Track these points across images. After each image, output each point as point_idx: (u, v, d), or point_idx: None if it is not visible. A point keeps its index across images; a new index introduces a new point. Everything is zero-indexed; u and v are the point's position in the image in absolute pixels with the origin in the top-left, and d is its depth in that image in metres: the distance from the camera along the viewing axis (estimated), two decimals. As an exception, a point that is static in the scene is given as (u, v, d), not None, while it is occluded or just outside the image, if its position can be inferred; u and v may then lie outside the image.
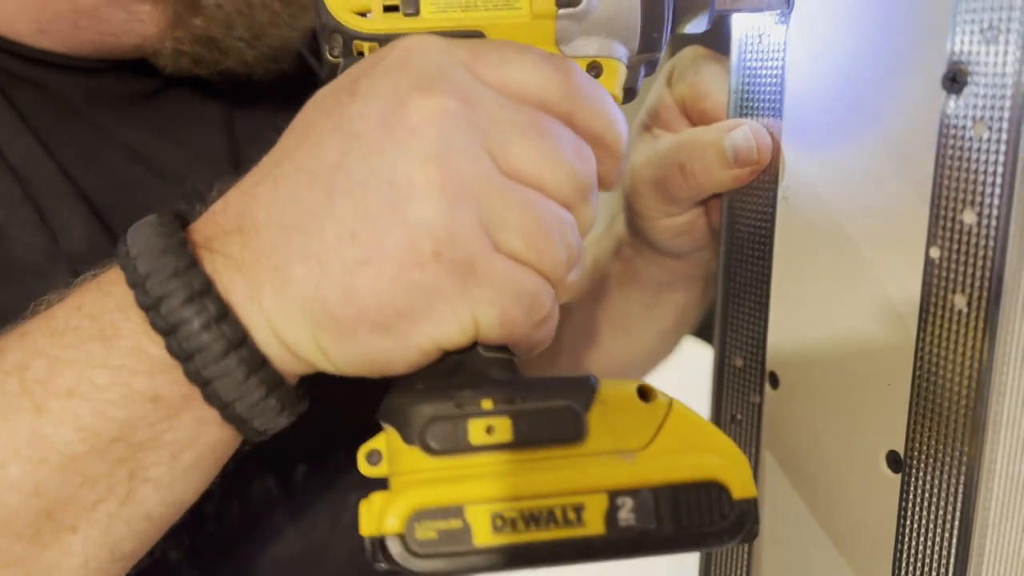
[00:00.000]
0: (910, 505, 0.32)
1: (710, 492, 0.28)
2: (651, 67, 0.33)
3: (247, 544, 0.43)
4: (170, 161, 0.44)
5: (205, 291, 0.27)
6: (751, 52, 0.37)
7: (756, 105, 0.37)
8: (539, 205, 0.27)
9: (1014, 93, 0.27)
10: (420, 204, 0.26)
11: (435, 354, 0.28)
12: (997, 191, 0.28)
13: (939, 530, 0.31)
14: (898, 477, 0.32)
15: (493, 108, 0.27)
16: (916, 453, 0.31)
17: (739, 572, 0.40)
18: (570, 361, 0.60)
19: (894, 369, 0.32)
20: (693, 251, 0.44)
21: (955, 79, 0.29)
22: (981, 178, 0.28)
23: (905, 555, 0.32)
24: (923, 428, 0.31)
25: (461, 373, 0.29)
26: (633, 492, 0.28)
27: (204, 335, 0.26)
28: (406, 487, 0.28)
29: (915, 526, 0.31)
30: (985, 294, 0.29)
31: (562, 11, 0.30)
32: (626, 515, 0.28)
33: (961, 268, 0.29)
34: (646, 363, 0.60)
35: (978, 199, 0.28)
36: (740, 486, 0.28)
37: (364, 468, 0.29)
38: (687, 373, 0.66)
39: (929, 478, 0.31)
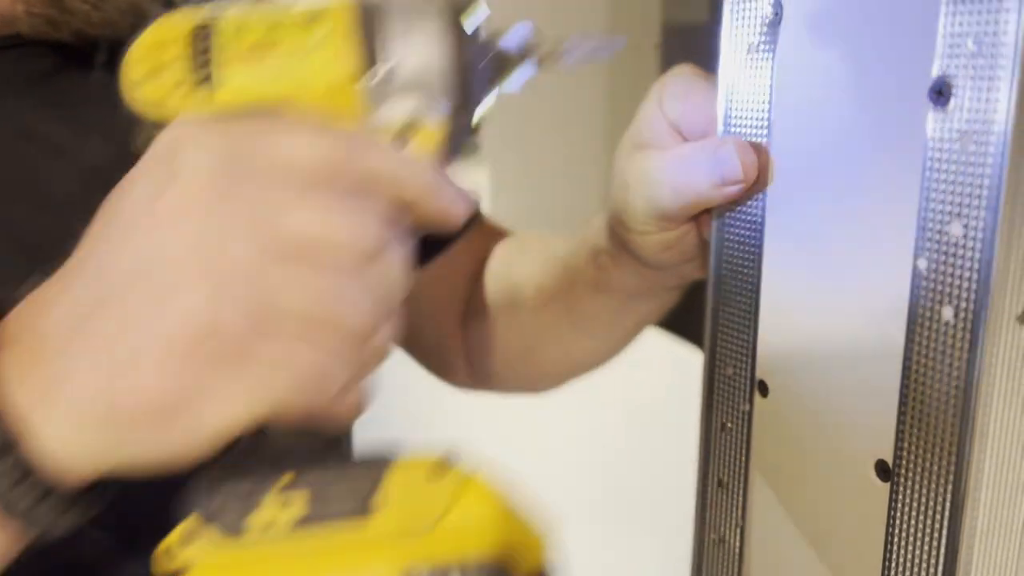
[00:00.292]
0: (898, 514, 0.32)
1: (494, 573, 0.28)
2: (475, 125, 0.33)
3: None
4: (60, 137, 0.44)
5: None
6: (739, 66, 0.37)
7: (745, 119, 0.37)
8: (316, 280, 0.27)
9: (999, 107, 0.28)
10: (182, 295, 0.26)
11: (226, 440, 0.28)
12: (983, 203, 0.28)
13: (927, 539, 0.31)
14: (887, 486, 0.32)
15: (260, 187, 0.27)
16: (904, 462, 0.31)
17: (729, 579, 0.40)
18: (528, 360, 0.61)
19: (882, 378, 0.32)
20: (678, 264, 0.44)
21: (941, 92, 0.29)
22: (967, 190, 0.29)
23: (894, 564, 0.32)
24: (911, 437, 0.31)
25: (259, 453, 0.29)
26: (416, 571, 0.28)
27: None
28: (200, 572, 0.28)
29: (904, 535, 0.32)
30: (972, 305, 0.29)
31: (363, 79, 0.29)
32: None
33: (948, 279, 0.29)
34: (602, 361, 0.60)
35: (964, 211, 0.29)
36: (528, 567, 0.28)
37: (163, 564, 0.29)
38: (678, 381, 0.66)
39: (917, 487, 0.31)
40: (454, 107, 0.31)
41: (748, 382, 0.38)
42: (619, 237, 0.45)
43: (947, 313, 0.30)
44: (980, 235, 0.28)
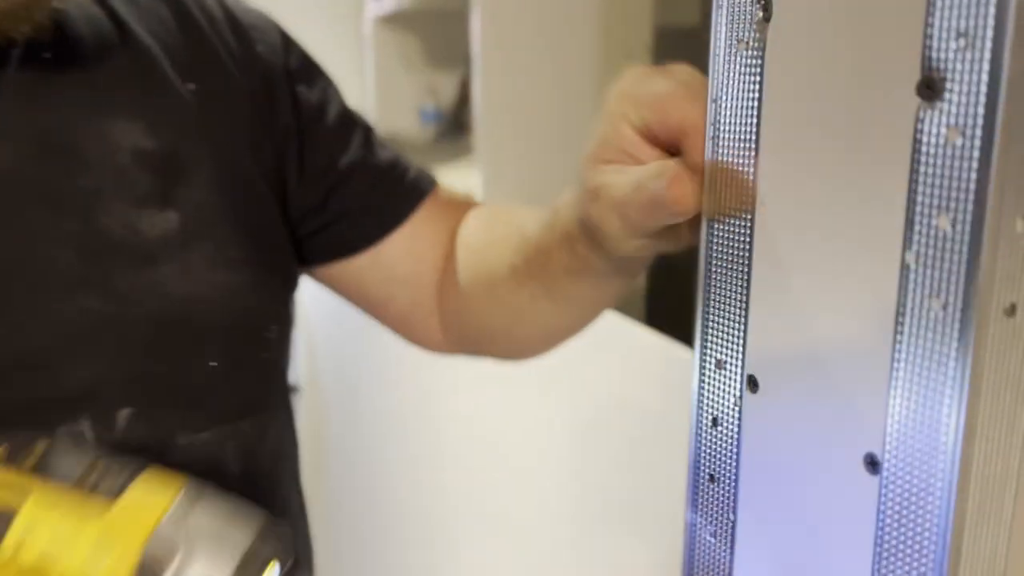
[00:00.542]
0: (888, 506, 0.32)
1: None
2: None
3: None
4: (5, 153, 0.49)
5: None
6: (729, 65, 0.37)
7: (735, 117, 0.37)
8: None
9: (988, 100, 0.28)
10: None
11: None
12: (971, 197, 0.28)
13: (917, 529, 0.31)
14: (876, 479, 0.32)
15: None
16: (893, 455, 0.32)
17: (722, 572, 0.40)
18: (509, 334, 0.62)
19: (871, 372, 0.32)
20: (657, 251, 0.45)
21: (930, 86, 0.29)
22: (955, 184, 0.29)
23: (883, 555, 0.32)
24: (900, 430, 0.31)
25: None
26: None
27: None
28: None
29: (893, 526, 0.32)
30: (960, 299, 0.29)
31: None
32: None
33: (936, 273, 0.30)
34: (583, 327, 0.62)
35: (952, 205, 0.29)
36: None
37: None
38: (669, 377, 0.66)
39: (906, 480, 0.31)
40: None
41: (739, 377, 0.38)
42: (596, 238, 0.46)
43: (935, 307, 0.30)
44: (967, 229, 0.29)
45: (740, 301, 0.38)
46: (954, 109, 0.29)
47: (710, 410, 0.40)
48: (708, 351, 0.40)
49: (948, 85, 0.29)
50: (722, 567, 0.40)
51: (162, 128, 0.55)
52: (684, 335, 0.47)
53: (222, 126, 0.59)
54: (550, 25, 1.26)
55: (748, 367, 0.38)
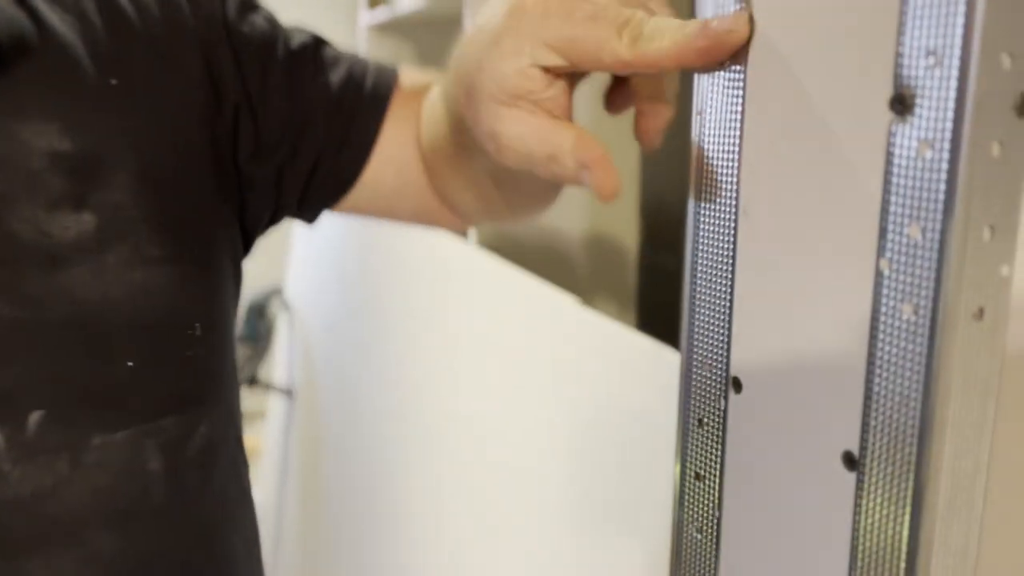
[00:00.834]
0: (864, 501, 0.34)
1: None
2: None
3: None
4: None
5: None
6: (713, 79, 0.39)
7: (718, 128, 0.39)
8: None
9: (956, 115, 0.29)
10: None
11: None
12: (940, 207, 0.30)
13: (892, 524, 0.33)
14: (853, 475, 0.34)
15: None
16: (869, 453, 0.33)
17: (707, 570, 0.42)
18: (499, 196, 0.65)
19: (848, 374, 0.34)
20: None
21: (901, 102, 0.31)
22: (925, 195, 0.30)
23: (860, 548, 0.34)
24: (876, 429, 0.33)
25: None
26: None
27: None
28: None
29: (869, 521, 0.33)
30: (930, 303, 0.31)
31: None
32: None
33: (908, 279, 0.31)
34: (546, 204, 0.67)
35: (922, 215, 0.31)
36: None
37: None
38: (657, 379, 0.68)
39: (881, 476, 0.33)
40: None
41: (723, 379, 0.40)
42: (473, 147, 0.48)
43: (907, 311, 0.31)
44: (937, 237, 0.30)
45: (724, 306, 0.40)
46: (924, 124, 0.30)
47: (696, 410, 0.42)
48: (694, 355, 0.42)
49: (918, 101, 0.30)
50: (708, 562, 0.42)
51: (80, 129, 0.53)
52: (674, 339, 0.49)
53: (148, 120, 0.57)
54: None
55: (732, 369, 0.39)
